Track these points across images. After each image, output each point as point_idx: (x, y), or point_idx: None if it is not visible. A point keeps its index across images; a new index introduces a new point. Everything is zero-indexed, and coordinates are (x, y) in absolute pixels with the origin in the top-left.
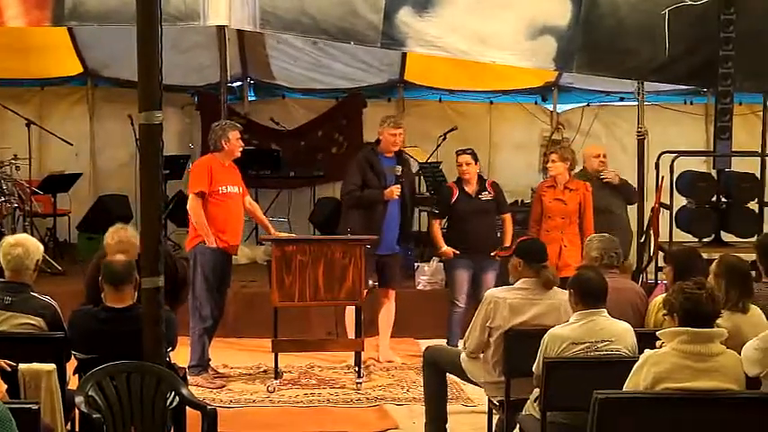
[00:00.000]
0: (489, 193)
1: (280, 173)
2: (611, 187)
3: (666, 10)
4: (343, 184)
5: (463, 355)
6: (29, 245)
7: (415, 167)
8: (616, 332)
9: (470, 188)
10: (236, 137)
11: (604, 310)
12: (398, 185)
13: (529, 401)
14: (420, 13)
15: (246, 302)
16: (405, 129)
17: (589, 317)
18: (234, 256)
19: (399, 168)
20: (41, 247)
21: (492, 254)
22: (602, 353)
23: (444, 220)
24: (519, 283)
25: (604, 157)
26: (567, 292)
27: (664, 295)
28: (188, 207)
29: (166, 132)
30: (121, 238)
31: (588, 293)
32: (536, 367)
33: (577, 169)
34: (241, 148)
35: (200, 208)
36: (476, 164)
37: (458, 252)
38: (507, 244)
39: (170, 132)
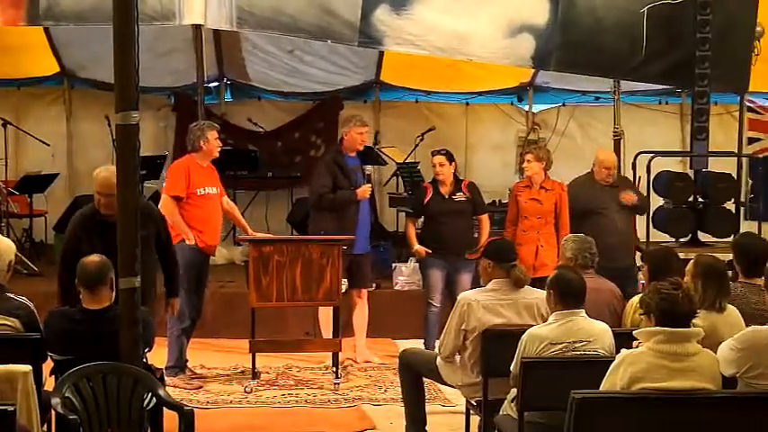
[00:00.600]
0: (464, 194)
1: (257, 173)
2: (612, 189)
3: (645, 8)
4: (311, 186)
5: (439, 360)
6: (1, 246)
7: (393, 168)
8: (594, 332)
9: (445, 189)
10: (214, 137)
11: (583, 310)
12: (370, 185)
13: (506, 402)
14: (397, 11)
15: (224, 303)
16: (380, 130)
17: (568, 317)
18: (211, 257)
19: (369, 167)
20: (14, 247)
21: (466, 255)
22: (579, 353)
23: (420, 219)
24: (491, 284)
25: (613, 168)
26: (541, 290)
27: (641, 295)
28: (160, 207)
29: (142, 134)
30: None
31: (568, 294)
32: (514, 367)
33: (583, 171)
34: (219, 149)
35: (175, 208)
36: (450, 164)
37: (430, 251)
38: (482, 245)
39: (146, 134)
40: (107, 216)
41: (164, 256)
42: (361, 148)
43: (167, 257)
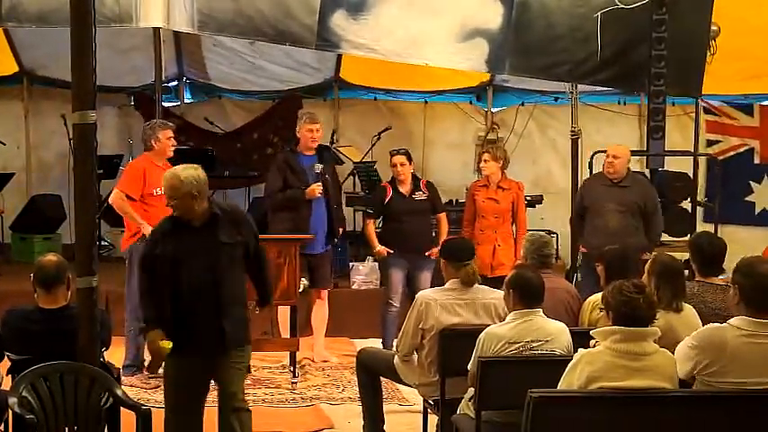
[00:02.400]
0: (423, 192)
1: (214, 172)
2: (618, 189)
3: (599, 13)
4: (264, 187)
5: (396, 359)
6: None
7: (349, 167)
8: (551, 332)
9: (404, 188)
10: (166, 136)
11: (540, 309)
12: (319, 183)
13: (463, 401)
14: (354, 15)
15: None
16: (340, 128)
17: (526, 316)
18: None
19: (320, 166)
20: None
21: (426, 253)
22: (536, 352)
23: (379, 219)
24: (448, 283)
25: (614, 158)
26: (499, 291)
27: (597, 294)
28: (111, 201)
29: (106, 131)
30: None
31: (526, 293)
32: (471, 365)
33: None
34: (172, 148)
35: (126, 201)
36: (410, 164)
37: (392, 251)
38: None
39: (111, 130)
40: (185, 219)
41: (254, 262)
42: (314, 146)
43: (258, 262)
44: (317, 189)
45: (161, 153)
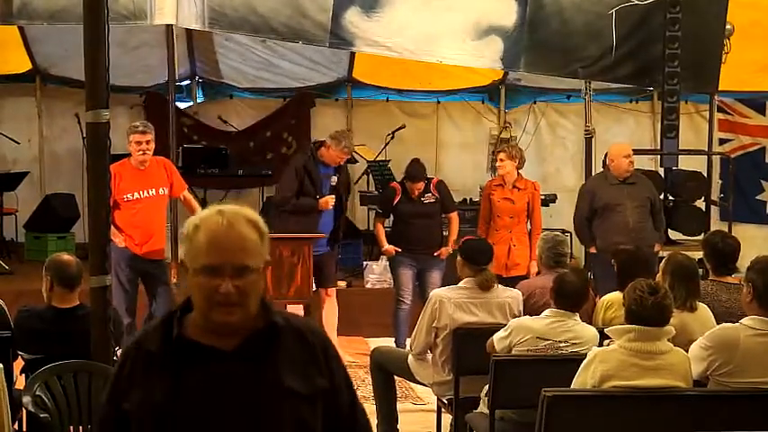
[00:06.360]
0: (433, 195)
1: (228, 171)
2: (628, 186)
3: (613, 10)
4: (277, 188)
5: (410, 358)
6: None
7: (363, 166)
8: (583, 336)
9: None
10: (133, 140)
11: (577, 315)
12: (333, 196)
13: (482, 400)
14: (367, 12)
15: None
16: (352, 128)
17: (560, 317)
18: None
19: (335, 178)
20: None
21: (434, 253)
22: (561, 353)
23: (390, 219)
24: (463, 282)
25: (632, 156)
26: (513, 290)
27: (611, 294)
28: None
29: (119, 134)
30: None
31: (559, 294)
32: (496, 342)
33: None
34: (139, 154)
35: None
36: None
37: (399, 250)
38: (451, 243)
39: (123, 135)
40: (204, 335)
41: None
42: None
43: None
44: (330, 201)
45: (131, 156)
